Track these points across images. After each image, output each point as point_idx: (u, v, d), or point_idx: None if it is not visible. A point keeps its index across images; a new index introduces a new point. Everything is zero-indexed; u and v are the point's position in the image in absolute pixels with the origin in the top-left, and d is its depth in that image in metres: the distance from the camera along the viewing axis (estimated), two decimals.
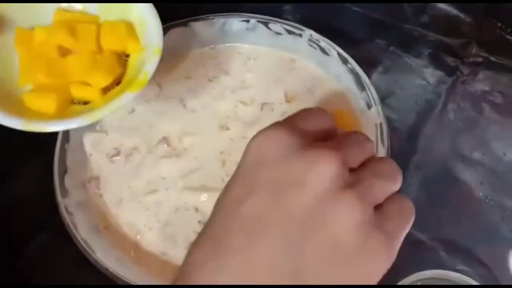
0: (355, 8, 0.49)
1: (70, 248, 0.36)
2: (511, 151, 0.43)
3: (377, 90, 0.41)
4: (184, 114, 0.42)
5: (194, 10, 0.44)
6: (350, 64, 0.41)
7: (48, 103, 0.34)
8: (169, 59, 0.43)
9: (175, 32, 0.43)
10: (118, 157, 0.41)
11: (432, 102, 0.45)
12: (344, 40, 0.43)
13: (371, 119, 0.40)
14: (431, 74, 0.46)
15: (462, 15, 0.48)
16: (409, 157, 0.42)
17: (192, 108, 0.42)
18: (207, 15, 0.43)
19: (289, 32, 0.43)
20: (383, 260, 0.24)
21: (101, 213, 0.39)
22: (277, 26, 0.43)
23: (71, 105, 0.36)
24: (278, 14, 0.46)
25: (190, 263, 0.24)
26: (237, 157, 0.27)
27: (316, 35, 0.43)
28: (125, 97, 0.34)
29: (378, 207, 0.25)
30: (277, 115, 0.42)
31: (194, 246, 0.25)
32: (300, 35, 0.43)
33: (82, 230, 0.37)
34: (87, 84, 0.36)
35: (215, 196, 0.27)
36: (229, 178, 0.27)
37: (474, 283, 0.36)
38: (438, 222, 0.40)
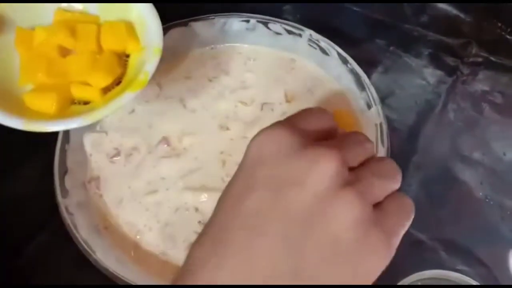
0: (355, 8, 0.49)
1: (70, 248, 0.36)
2: (511, 151, 0.43)
3: (377, 90, 0.41)
4: (184, 114, 0.42)
5: (194, 10, 0.44)
6: (350, 64, 0.41)
7: (48, 103, 0.34)
8: (169, 59, 0.43)
9: (175, 32, 0.43)
10: (118, 157, 0.41)
11: (432, 102, 0.45)
12: (344, 40, 0.43)
13: (371, 119, 0.40)
14: (431, 74, 0.46)
15: (462, 15, 0.48)
16: (409, 157, 0.42)
17: (192, 108, 0.42)
18: (207, 15, 0.43)
19: (289, 32, 0.43)
20: (382, 257, 0.24)
21: (101, 213, 0.39)
22: (277, 26, 0.43)
23: (71, 105, 0.36)
24: (278, 14, 0.46)
25: (191, 261, 0.25)
26: (237, 157, 0.27)
27: (316, 35, 0.43)
28: (125, 97, 0.34)
29: (377, 205, 0.25)
30: (277, 115, 0.42)
31: (195, 245, 0.25)
32: (300, 35, 0.43)
33: (82, 230, 0.37)
34: (87, 84, 0.36)
35: (215, 196, 0.27)
36: (229, 178, 0.27)
37: (474, 283, 0.36)
38: (438, 222, 0.40)
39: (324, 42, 0.42)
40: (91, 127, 0.41)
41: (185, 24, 0.43)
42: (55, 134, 0.39)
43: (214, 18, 0.43)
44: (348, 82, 0.42)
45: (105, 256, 0.36)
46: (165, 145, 0.41)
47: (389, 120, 0.41)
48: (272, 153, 0.25)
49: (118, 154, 0.41)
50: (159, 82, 0.43)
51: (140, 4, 0.37)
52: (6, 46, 0.36)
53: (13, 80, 0.36)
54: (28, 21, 0.37)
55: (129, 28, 0.37)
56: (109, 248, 0.37)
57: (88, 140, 0.41)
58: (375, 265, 0.24)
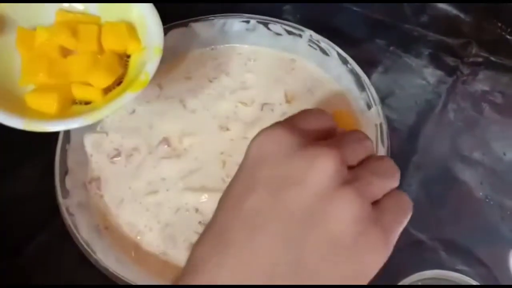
0: (355, 8, 0.49)
1: (70, 248, 0.36)
2: (511, 151, 0.43)
3: (377, 90, 0.41)
4: (184, 114, 0.42)
5: (194, 11, 0.44)
6: (350, 64, 0.41)
7: (49, 103, 0.34)
8: (170, 59, 0.43)
9: (176, 32, 0.43)
10: (119, 158, 0.41)
11: (432, 102, 0.45)
12: (344, 40, 0.43)
13: (371, 120, 0.40)
14: (431, 74, 0.46)
15: (462, 15, 0.48)
16: (409, 157, 0.42)
17: (192, 108, 0.42)
18: (207, 16, 0.43)
19: (289, 32, 0.43)
20: (381, 253, 0.25)
21: (102, 213, 0.39)
22: (277, 26, 0.43)
23: (72, 105, 0.36)
24: (278, 14, 0.46)
25: (192, 261, 0.25)
26: (237, 158, 0.27)
27: (316, 36, 0.43)
28: (126, 97, 0.34)
29: (376, 203, 0.26)
30: (277, 116, 0.42)
31: (196, 245, 0.25)
32: (300, 36, 0.43)
33: (83, 231, 0.37)
34: (88, 84, 0.36)
35: (215, 196, 0.27)
36: (229, 179, 0.27)
37: (474, 283, 0.36)
38: (438, 222, 0.40)
39: (324, 43, 0.42)
40: (91, 128, 0.41)
41: (185, 25, 0.43)
42: (55, 134, 0.39)
43: (214, 18, 0.43)
44: (348, 82, 0.42)
45: (106, 256, 0.36)
46: (166, 146, 0.41)
47: (389, 120, 0.41)
48: (272, 153, 0.25)
49: (118, 154, 0.41)
50: (160, 83, 0.43)
51: (140, 5, 0.37)
52: (7, 46, 0.37)
53: (14, 80, 0.36)
54: (30, 22, 0.37)
55: (130, 28, 0.37)
56: (109, 249, 0.37)
57: (89, 141, 0.41)
58: (374, 261, 0.24)
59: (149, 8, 0.37)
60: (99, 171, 0.40)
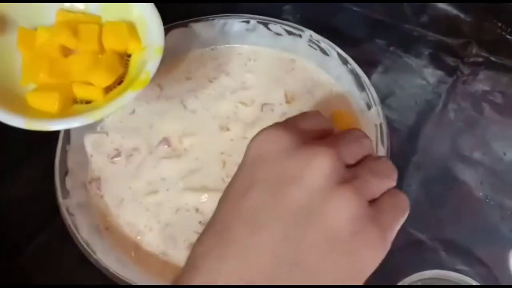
0: (355, 8, 0.49)
1: (71, 249, 0.36)
2: (511, 151, 0.43)
3: (377, 90, 0.41)
4: (184, 114, 0.42)
5: (194, 11, 0.44)
6: (350, 64, 0.41)
7: (50, 102, 0.35)
8: (170, 60, 0.43)
9: (176, 33, 0.43)
10: (119, 158, 0.41)
11: (432, 102, 0.45)
12: (344, 40, 0.43)
13: (371, 120, 0.40)
14: (431, 74, 0.46)
15: (462, 15, 0.48)
16: (409, 157, 0.42)
17: (192, 108, 0.42)
18: (207, 16, 0.43)
19: (289, 32, 0.43)
20: (378, 250, 0.25)
21: (102, 213, 0.39)
22: (277, 26, 0.43)
23: (73, 104, 0.36)
24: (278, 14, 0.46)
25: (193, 257, 0.25)
26: (238, 158, 0.27)
27: (316, 36, 0.43)
28: (127, 96, 0.34)
29: (373, 201, 0.26)
30: (277, 116, 0.42)
31: (197, 242, 0.26)
32: (300, 36, 0.43)
33: (83, 231, 0.37)
34: (89, 83, 0.36)
35: (215, 196, 0.27)
36: (229, 179, 0.27)
37: (474, 283, 0.36)
38: (438, 222, 0.40)
39: (324, 43, 0.42)
40: (91, 128, 0.41)
41: (185, 25, 0.43)
42: (55, 135, 0.39)
43: (214, 19, 0.43)
44: (348, 82, 0.42)
45: (106, 257, 0.36)
46: (166, 146, 0.41)
47: (389, 120, 0.41)
48: (271, 152, 0.26)
49: (118, 154, 0.41)
50: (160, 83, 0.43)
51: (141, 4, 0.37)
52: (8, 46, 0.37)
53: (16, 80, 0.36)
54: (30, 21, 0.37)
55: (131, 28, 0.37)
56: (109, 249, 0.37)
57: (89, 141, 0.41)
58: (372, 259, 0.25)
59: (149, 7, 0.37)
60: (99, 171, 0.40)
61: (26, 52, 0.37)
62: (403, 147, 0.43)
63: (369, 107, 0.40)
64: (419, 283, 0.36)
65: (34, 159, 0.42)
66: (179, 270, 0.26)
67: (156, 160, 0.40)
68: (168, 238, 0.38)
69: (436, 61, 0.46)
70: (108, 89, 0.36)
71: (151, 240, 0.38)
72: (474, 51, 0.47)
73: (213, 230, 0.26)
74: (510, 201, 0.41)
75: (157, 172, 0.40)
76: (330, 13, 0.48)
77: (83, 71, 0.36)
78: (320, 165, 0.25)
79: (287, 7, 0.49)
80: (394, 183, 0.27)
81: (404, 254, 0.38)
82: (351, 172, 0.26)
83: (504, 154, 0.43)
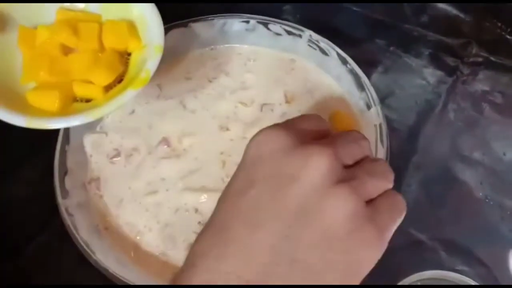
0: (355, 8, 0.49)
1: (70, 249, 0.36)
2: (511, 151, 0.43)
3: (377, 90, 0.41)
4: (184, 114, 0.42)
5: (194, 11, 0.44)
6: (349, 64, 0.41)
7: (51, 101, 0.35)
8: (169, 60, 0.43)
9: (175, 33, 0.43)
10: (118, 158, 0.41)
11: (432, 102, 0.45)
12: (344, 40, 0.43)
13: (371, 120, 0.40)
14: (431, 74, 0.46)
15: (462, 15, 0.48)
16: (409, 157, 0.42)
17: (192, 108, 0.42)
18: (207, 16, 0.43)
19: (289, 32, 0.43)
20: (375, 249, 0.25)
21: (101, 214, 0.39)
22: (276, 26, 0.43)
23: (73, 102, 0.36)
24: (278, 14, 0.46)
25: (192, 257, 0.25)
26: (237, 158, 0.27)
27: (315, 36, 0.43)
28: (127, 95, 0.34)
29: (370, 202, 0.26)
30: (277, 116, 0.42)
31: (196, 241, 0.26)
32: (300, 36, 0.43)
33: (82, 231, 0.37)
34: (89, 82, 0.36)
35: (215, 197, 0.27)
36: (229, 179, 0.28)
37: (474, 283, 0.36)
38: (438, 222, 0.40)
39: (324, 43, 0.42)
40: (91, 128, 0.41)
41: (185, 25, 0.43)
42: (55, 135, 0.39)
43: (214, 19, 0.43)
44: (347, 82, 0.42)
45: (105, 257, 0.36)
46: (165, 146, 0.41)
47: (389, 120, 0.41)
48: (270, 152, 0.26)
49: (118, 154, 0.41)
50: (159, 83, 0.43)
51: (141, 4, 0.37)
52: (9, 44, 0.37)
53: (16, 78, 0.36)
54: (31, 20, 0.38)
55: (131, 26, 0.37)
56: (109, 249, 0.37)
57: (88, 141, 0.41)
58: (368, 257, 0.25)
59: (150, 6, 0.37)
60: (98, 171, 0.40)
61: (26, 51, 0.37)
62: (403, 147, 0.43)
63: (368, 107, 0.40)
64: (419, 283, 0.36)
65: (34, 159, 0.42)
66: (179, 270, 0.26)
67: (155, 160, 0.40)
68: (167, 238, 0.38)
69: (436, 61, 0.46)
70: (108, 88, 0.36)
71: (151, 240, 0.38)
72: (474, 51, 0.47)
73: (212, 230, 0.26)
74: (510, 201, 0.41)
75: (157, 172, 0.40)
76: (330, 13, 0.48)
77: (83, 69, 0.36)
78: (317, 165, 0.25)
79: (287, 7, 0.49)
80: (390, 185, 0.28)
81: (404, 254, 0.38)
82: (349, 173, 0.26)
83: (504, 154, 0.43)
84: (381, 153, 0.38)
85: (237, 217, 0.25)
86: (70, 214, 0.37)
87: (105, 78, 0.36)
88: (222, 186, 0.27)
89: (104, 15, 0.38)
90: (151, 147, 0.41)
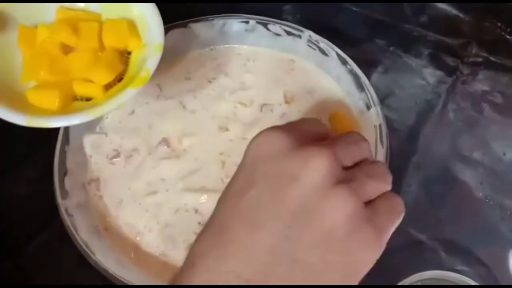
0: (354, 8, 0.49)
1: (70, 249, 0.36)
2: (511, 151, 0.43)
3: (377, 90, 0.41)
4: (184, 115, 0.42)
5: (194, 11, 0.44)
6: (349, 65, 0.41)
7: (51, 100, 0.35)
8: (169, 60, 0.43)
9: (175, 33, 0.43)
10: (118, 159, 0.41)
11: (432, 102, 0.45)
12: (343, 40, 0.43)
13: (370, 120, 0.40)
14: (431, 74, 0.46)
15: (462, 15, 0.48)
16: (409, 157, 0.42)
17: (191, 109, 0.42)
18: (206, 16, 0.43)
19: (288, 33, 0.43)
20: (373, 250, 0.25)
21: (101, 214, 0.39)
22: (276, 27, 0.43)
23: (73, 101, 0.36)
24: (277, 14, 0.46)
25: (192, 257, 0.25)
26: (237, 158, 0.27)
27: (315, 36, 0.43)
28: (127, 94, 0.34)
29: (369, 203, 0.26)
30: (277, 116, 0.42)
31: (196, 242, 0.26)
32: (299, 36, 0.43)
33: (82, 232, 0.37)
34: (90, 81, 0.36)
35: (214, 197, 0.27)
36: (228, 179, 0.28)
37: (474, 283, 0.36)
38: (438, 222, 0.40)
39: (324, 43, 0.42)
40: (91, 128, 0.41)
41: (185, 25, 0.43)
42: (55, 134, 0.39)
43: (213, 19, 0.43)
44: (347, 83, 0.42)
45: (105, 258, 0.36)
46: (165, 146, 0.41)
47: (389, 120, 0.41)
48: (270, 152, 0.26)
49: (118, 155, 0.41)
50: (159, 83, 0.43)
51: (141, 4, 0.37)
52: (9, 44, 0.37)
53: (16, 78, 0.36)
54: (31, 19, 0.38)
55: (131, 25, 0.37)
56: (108, 250, 0.37)
57: (88, 142, 0.41)
58: (367, 258, 0.25)
59: (150, 5, 0.37)
60: (98, 172, 0.40)
61: (26, 50, 0.37)
62: (403, 147, 0.43)
63: (368, 107, 0.40)
64: (419, 283, 0.36)
65: (34, 159, 0.42)
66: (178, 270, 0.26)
67: (155, 161, 0.40)
68: (167, 238, 0.38)
69: (436, 61, 0.46)
70: (108, 87, 0.36)
71: (151, 241, 0.38)
72: (473, 51, 0.47)
73: (211, 231, 0.26)
74: (510, 201, 0.41)
75: (157, 172, 0.40)
76: (330, 13, 0.48)
77: (83, 68, 0.36)
78: (317, 166, 0.25)
79: (287, 7, 0.49)
80: (389, 187, 0.28)
81: (404, 254, 0.38)
82: (348, 174, 0.26)
83: (504, 154, 0.43)
84: (381, 153, 0.38)
85: (237, 217, 0.25)
86: (70, 215, 0.37)
87: (105, 77, 0.36)
88: (222, 186, 0.27)
89: (104, 14, 0.38)
90: (151, 148, 0.41)
